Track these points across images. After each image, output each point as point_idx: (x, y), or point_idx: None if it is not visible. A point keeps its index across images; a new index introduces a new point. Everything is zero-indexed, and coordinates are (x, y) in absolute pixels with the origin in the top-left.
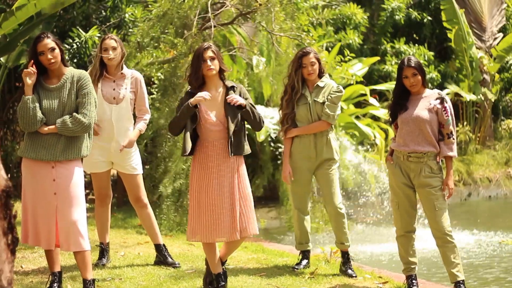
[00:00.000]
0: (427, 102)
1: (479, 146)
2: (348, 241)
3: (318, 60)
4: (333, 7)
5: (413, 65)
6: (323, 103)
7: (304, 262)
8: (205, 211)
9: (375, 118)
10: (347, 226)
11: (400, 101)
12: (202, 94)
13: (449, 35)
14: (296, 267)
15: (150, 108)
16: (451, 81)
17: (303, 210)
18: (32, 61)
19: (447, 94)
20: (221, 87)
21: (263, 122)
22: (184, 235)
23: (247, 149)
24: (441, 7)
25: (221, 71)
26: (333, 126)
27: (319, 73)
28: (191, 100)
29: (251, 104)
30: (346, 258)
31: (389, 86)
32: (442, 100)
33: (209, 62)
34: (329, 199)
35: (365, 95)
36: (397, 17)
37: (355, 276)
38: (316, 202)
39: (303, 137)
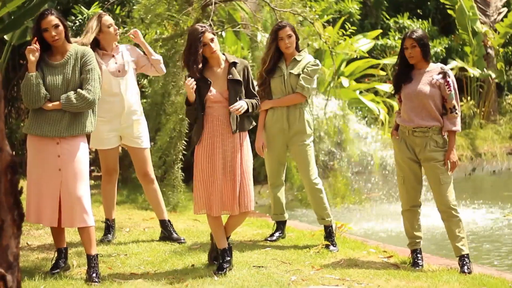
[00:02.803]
0: (429, 76)
1: (483, 121)
2: (330, 216)
3: (295, 32)
4: None
5: (413, 36)
6: (298, 75)
7: (277, 233)
8: (208, 185)
9: (377, 94)
10: (326, 200)
11: (403, 73)
12: (190, 85)
13: (448, 11)
14: (269, 238)
15: (150, 83)
16: (455, 56)
17: (277, 182)
18: (36, 38)
19: (452, 69)
20: (224, 62)
21: (259, 107)
22: (189, 211)
23: (252, 122)
24: None
25: None
26: (307, 100)
27: (297, 48)
28: (188, 97)
29: (251, 93)
30: (328, 232)
31: (391, 59)
32: (444, 75)
33: (212, 45)
34: (304, 174)
35: (375, 66)
36: None
37: (337, 251)
38: None
39: (276, 109)
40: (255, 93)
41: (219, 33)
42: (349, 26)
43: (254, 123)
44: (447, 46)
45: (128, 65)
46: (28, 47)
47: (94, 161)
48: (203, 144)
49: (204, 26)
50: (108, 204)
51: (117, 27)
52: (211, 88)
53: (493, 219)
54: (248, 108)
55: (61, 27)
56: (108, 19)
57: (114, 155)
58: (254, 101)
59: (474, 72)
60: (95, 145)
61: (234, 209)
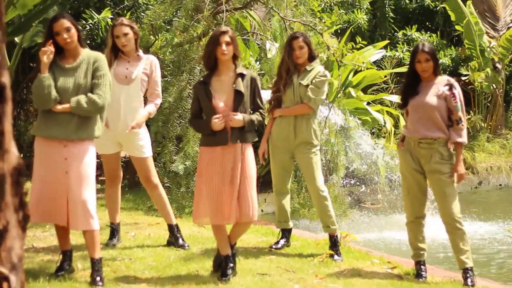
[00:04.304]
0: (436, 88)
1: (490, 135)
2: (335, 224)
3: (308, 44)
4: None
5: (427, 50)
6: (307, 86)
7: (282, 241)
8: (209, 194)
9: (383, 104)
10: (331, 209)
11: (411, 86)
12: (216, 121)
13: (456, 27)
14: (273, 246)
15: (162, 91)
16: (462, 67)
17: (282, 190)
18: (51, 40)
19: (465, 77)
20: (232, 72)
21: (263, 120)
22: None
23: (255, 137)
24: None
25: (234, 57)
26: (315, 110)
27: (310, 58)
28: (214, 127)
29: (254, 110)
30: (333, 242)
31: (402, 69)
32: (450, 87)
33: (224, 47)
34: (310, 182)
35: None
36: (407, 1)
37: (341, 261)
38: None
39: (284, 118)
40: (261, 105)
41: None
42: (360, 40)
43: (256, 138)
44: (453, 56)
45: (136, 75)
46: (43, 48)
47: (101, 165)
48: (204, 153)
49: (229, 30)
50: (111, 208)
51: (122, 41)
52: (216, 97)
53: (498, 233)
54: (244, 126)
55: (73, 30)
56: (118, 29)
57: (115, 161)
58: (256, 116)
59: (480, 81)
60: (96, 149)
61: (235, 218)
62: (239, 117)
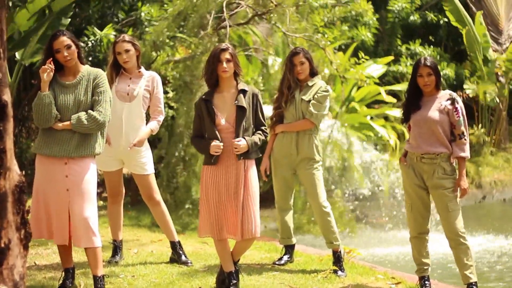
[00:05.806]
0: (438, 103)
1: (494, 148)
2: (338, 240)
3: (309, 59)
4: (343, 2)
5: (429, 64)
6: (309, 101)
7: (286, 257)
8: (213, 210)
9: (387, 119)
10: (334, 224)
11: (413, 101)
12: (217, 149)
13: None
14: (277, 262)
15: (164, 106)
16: (467, 81)
17: (284, 206)
18: (51, 58)
19: (469, 91)
20: (234, 89)
21: (266, 138)
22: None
23: (258, 153)
24: (445, 8)
25: (235, 74)
26: (317, 126)
27: (311, 73)
28: (211, 150)
29: (254, 129)
30: (337, 257)
31: (404, 86)
32: (453, 101)
33: (224, 64)
34: (312, 198)
35: (379, 94)
36: (411, 17)
37: (345, 276)
38: None
39: (286, 134)
40: (263, 121)
41: None
42: (363, 54)
43: (260, 155)
44: (456, 72)
45: (138, 92)
46: (43, 66)
47: (103, 182)
48: (206, 170)
49: (228, 47)
50: (114, 225)
51: (124, 57)
52: (218, 115)
53: (502, 247)
54: (248, 149)
55: (73, 48)
56: (120, 45)
57: (117, 178)
58: (259, 136)
59: (486, 94)
60: (98, 166)
61: (238, 235)
62: (243, 143)
